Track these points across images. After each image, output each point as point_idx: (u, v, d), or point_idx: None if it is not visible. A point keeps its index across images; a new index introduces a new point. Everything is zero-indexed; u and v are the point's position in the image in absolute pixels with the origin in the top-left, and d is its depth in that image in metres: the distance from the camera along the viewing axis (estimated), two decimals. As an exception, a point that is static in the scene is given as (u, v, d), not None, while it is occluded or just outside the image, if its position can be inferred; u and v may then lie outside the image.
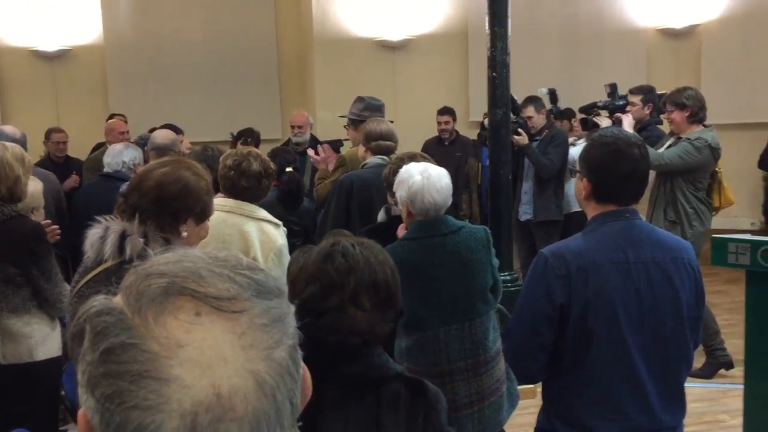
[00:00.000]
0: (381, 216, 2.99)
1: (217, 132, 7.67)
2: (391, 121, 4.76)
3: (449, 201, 2.59)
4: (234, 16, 8.32)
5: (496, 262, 2.71)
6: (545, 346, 1.88)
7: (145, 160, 4.09)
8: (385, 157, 3.57)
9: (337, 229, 3.33)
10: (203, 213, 1.97)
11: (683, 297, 1.89)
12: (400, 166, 2.72)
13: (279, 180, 3.84)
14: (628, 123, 4.63)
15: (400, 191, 2.55)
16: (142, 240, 1.83)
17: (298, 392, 0.65)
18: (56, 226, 3.09)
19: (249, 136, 5.96)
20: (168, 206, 1.89)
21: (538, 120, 5.50)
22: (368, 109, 4.43)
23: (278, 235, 2.85)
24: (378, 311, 1.46)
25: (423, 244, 2.51)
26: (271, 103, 8.53)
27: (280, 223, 2.90)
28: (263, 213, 2.86)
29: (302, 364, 0.67)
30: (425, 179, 2.50)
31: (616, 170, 1.87)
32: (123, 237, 1.82)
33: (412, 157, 2.90)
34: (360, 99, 4.52)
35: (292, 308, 0.67)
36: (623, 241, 1.88)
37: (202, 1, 8.29)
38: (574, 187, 2.02)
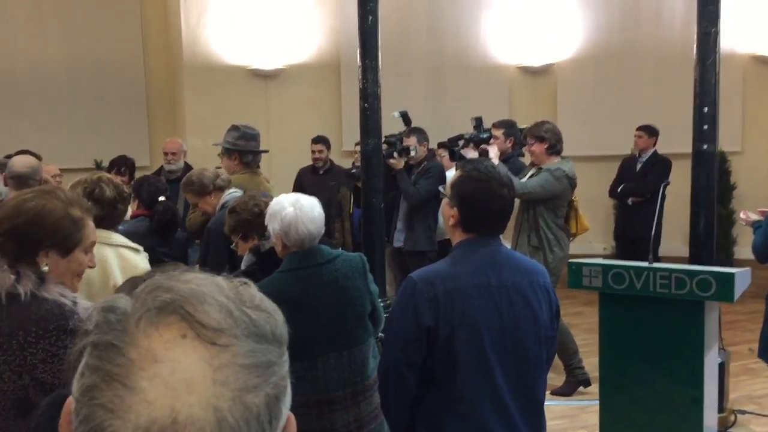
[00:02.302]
0: (249, 259, 2.95)
1: (79, 158, 7.33)
2: (266, 151, 4.76)
3: (322, 230, 2.59)
4: (96, 39, 8.00)
5: (374, 288, 2.74)
6: (415, 366, 1.94)
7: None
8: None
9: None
10: (66, 243, 1.85)
11: (541, 318, 2.02)
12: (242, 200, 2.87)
13: (152, 210, 3.72)
14: (494, 153, 4.88)
15: (273, 224, 2.53)
16: (12, 277, 1.71)
17: None
18: None
19: (123, 165, 5.73)
20: (20, 237, 1.77)
21: (421, 151, 5.61)
22: (243, 137, 4.39)
23: (139, 260, 2.74)
24: None
25: (299, 275, 2.50)
26: (138, 130, 8.25)
27: (139, 247, 2.79)
28: (120, 239, 2.75)
29: (288, 418, 0.67)
30: (297, 210, 2.49)
31: (487, 208, 1.99)
32: None
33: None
34: (235, 127, 4.48)
35: (286, 359, 0.67)
36: (487, 267, 1.99)
37: (61, 20, 7.90)
38: (441, 212, 2.11)
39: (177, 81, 8.43)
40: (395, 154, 5.36)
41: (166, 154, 5.78)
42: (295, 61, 8.46)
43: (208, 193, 3.90)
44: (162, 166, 5.87)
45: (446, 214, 2.07)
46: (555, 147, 4.82)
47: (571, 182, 4.79)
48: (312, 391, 2.51)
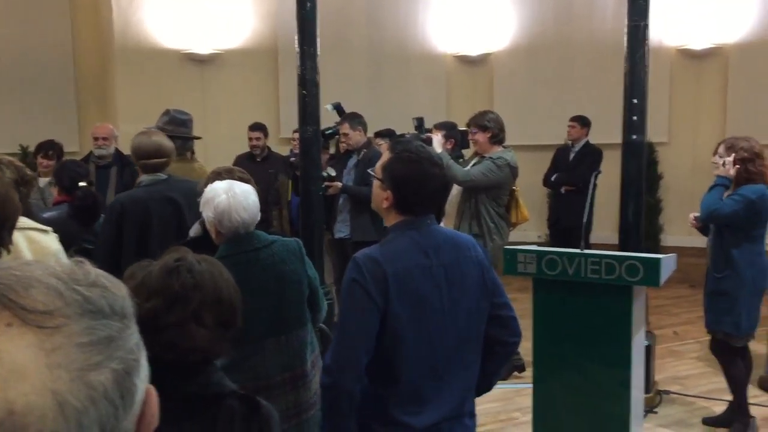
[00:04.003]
0: (196, 230, 2.89)
1: (4, 143, 7.04)
2: (197, 137, 4.64)
3: (257, 218, 2.57)
4: (23, 20, 7.69)
5: (313, 273, 2.73)
6: (370, 349, 1.93)
7: None
8: (160, 174, 3.44)
9: (107, 253, 3.19)
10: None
11: (476, 292, 2.05)
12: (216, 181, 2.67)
13: (72, 195, 3.61)
14: (437, 142, 4.94)
15: (207, 212, 2.51)
16: None
17: (125, 421, 0.62)
18: None
19: (50, 149, 5.53)
20: None
21: (355, 137, 5.59)
22: (172, 122, 4.28)
23: (50, 240, 2.66)
24: (219, 329, 1.44)
25: (235, 260, 2.45)
26: (67, 114, 7.98)
27: (48, 228, 2.71)
28: (26, 221, 2.66)
29: (146, 391, 0.65)
30: (231, 198, 2.47)
31: (421, 188, 2.00)
32: None
33: (230, 172, 2.84)
34: (166, 112, 4.38)
35: (132, 331, 0.65)
36: (426, 246, 2.00)
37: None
38: (373, 195, 2.10)
39: (108, 64, 8.18)
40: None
41: (96, 139, 5.60)
42: (231, 45, 8.32)
43: None
44: (91, 151, 5.69)
45: (379, 196, 2.05)
46: (498, 136, 4.90)
47: (513, 171, 4.88)
48: (252, 377, 2.50)
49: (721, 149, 3.92)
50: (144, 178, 3.50)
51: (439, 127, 5.33)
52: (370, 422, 2.00)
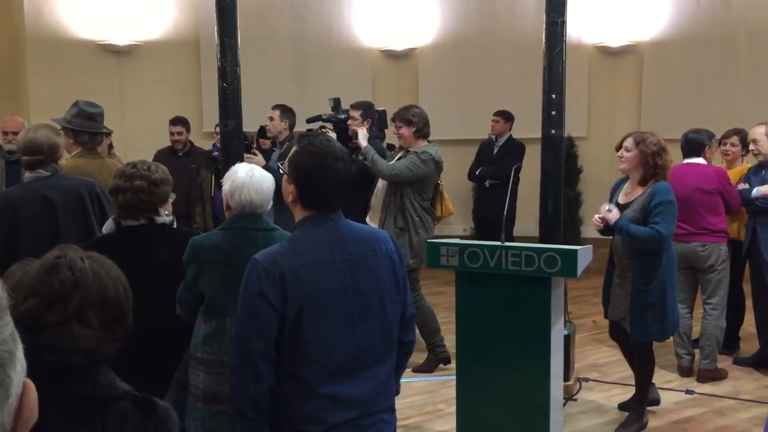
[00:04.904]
0: (109, 226, 2.83)
1: None
2: (107, 132, 4.44)
3: (267, 205, 2.74)
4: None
5: None
6: (268, 352, 1.91)
7: None
8: (42, 171, 3.39)
9: None
10: None
11: (386, 286, 2.05)
12: (124, 173, 2.75)
13: None
14: (362, 136, 4.94)
15: (226, 185, 2.74)
16: None
17: (0, 413, 0.60)
18: None
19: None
20: None
21: (279, 126, 5.55)
22: (80, 116, 4.10)
23: None
24: (106, 329, 1.38)
25: (237, 233, 2.67)
26: (-26, 107, 7.59)
27: None
28: None
29: (25, 385, 0.63)
30: (248, 177, 2.69)
31: (323, 182, 1.98)
32: None
33: (132, 165, 2.83)
34: (75, 104, 4.20)
35: (4, 323, 0.62)
36: (330, 242, 1.99)
37: None
38: (282, 189, 2.09)
39: (19, 55, 7.83)
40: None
41: (6, 133, 5.37)
42: (151, 37, 8.08)
43: None
44: (0, 145, 5.43)
45: (285, 190, 2.05)
46: (422, 130, 4.93)
47: (438, 166, 4.92)
48: (227, 350, 2.58)
49: (629, 143, 3.96)
50: (27, 174, 3.42)
51: (355, 106, 5.33)
52: (283, 423, 1.97)
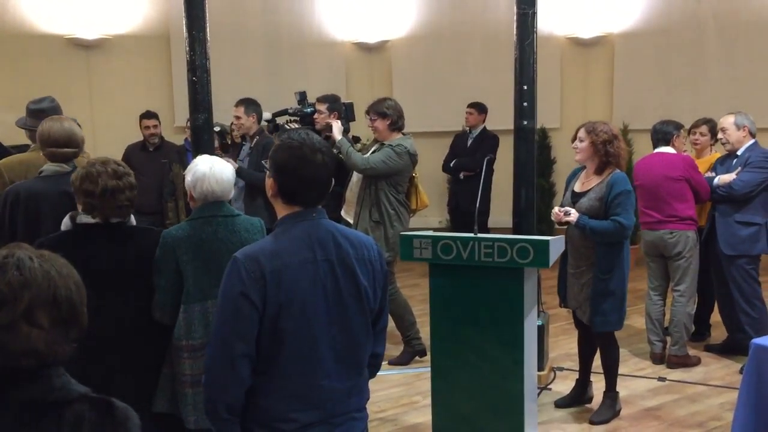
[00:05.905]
0: (66, 224, 2.78)
1: None
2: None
3: (228, 195, 2.89)
4: None
5: None
6: (249, 353, 1.89)
7: None
8: (63, 165, 3.32)
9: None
10: None
11: (366, 291, 2.04)
12: (90, 172, 2.69)
13: None
14: (337, 129, 4.93)
15: (188, 177, 2.87)
16: None
17: None
18: None
19: None
20: None
21: (247, 122, 5.51)
22: (31, 116, 4.02)
23: None
24: (58, 329, 1.33)
25: (206, 221, 2.81)
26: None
27: None
28: None
29: None
30: (208, 169, 2.82)
31: (300, 174, 1.97)
32: None
33: (105, 163, 2.75)
34: (27, 107, 4.13)
35: None
36: (311, 241, 1.97)
37: None
38: (266, 184, 2.08)
39: (-17, 50, 7.66)
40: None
41: (-29, 129, 5.25)
42: (119, 30, 7.97)
43: None
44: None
45: (268, 185, 2.04)
46: (397, 123, 4.91)
47: (413, 158, 4.90)
48: (204, 334, 2.73)
49: (581, 133, 4.00)
50: (47, 167, 3.32)
51: (321, 100, 5.31)
52: (251, 425, 1.95)
